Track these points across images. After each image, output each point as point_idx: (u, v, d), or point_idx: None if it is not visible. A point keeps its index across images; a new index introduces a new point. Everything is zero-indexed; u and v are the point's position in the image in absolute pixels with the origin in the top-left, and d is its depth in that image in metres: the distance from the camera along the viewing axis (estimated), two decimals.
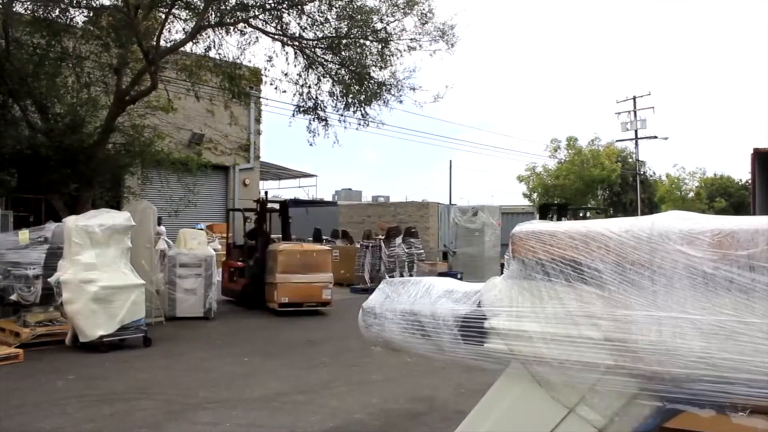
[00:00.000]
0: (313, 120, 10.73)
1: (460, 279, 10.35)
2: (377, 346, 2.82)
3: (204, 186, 14.29)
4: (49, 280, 6.89)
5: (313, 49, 10.30)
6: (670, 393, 1.89)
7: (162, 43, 9.19)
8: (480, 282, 2.61)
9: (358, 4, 9.53)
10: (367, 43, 9.92)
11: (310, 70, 10.44)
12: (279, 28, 9.85)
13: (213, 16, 9.02)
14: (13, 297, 7.08)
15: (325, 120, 10.74)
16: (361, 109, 10.41)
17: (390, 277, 11.46)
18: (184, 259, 9.08)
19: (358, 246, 13.79)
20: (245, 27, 9.70)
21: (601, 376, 2.01)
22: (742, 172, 38.34)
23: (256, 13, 9.43)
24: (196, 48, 9.93)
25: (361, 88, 10.19)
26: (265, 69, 10.56)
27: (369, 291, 8.93)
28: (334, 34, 9.78)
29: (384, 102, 10.40)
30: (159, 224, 10.95)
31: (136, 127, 10.25)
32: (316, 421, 4.43)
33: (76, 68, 9.53)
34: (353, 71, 10.08)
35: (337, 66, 10.30)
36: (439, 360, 2.57)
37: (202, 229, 13.05)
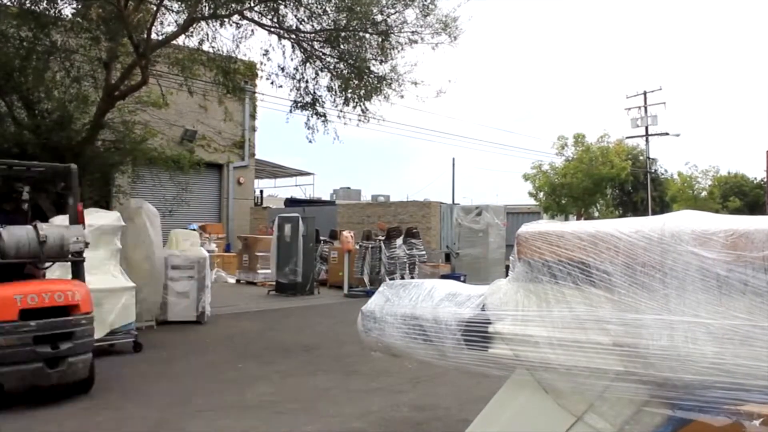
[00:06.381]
0: (312, 116, 10.53)
1: (464, 281, 10.16)
2: (377, 351, 2.83)
3: (197, 185, 14.11)
4: None
5: (310, 43, 10.10)
6: (682, 400, 1.87)
7: (153, 36, 8.99)
8: (484, 285, 2.58)
9: None
10: (367, 35, 9.71)
11: (308, 64, 10.24)
12: (275, 20, 9.67)
13: (206, 7, 8.80)
14: None
15: (324, 116, 10.54)
16: (361, 104, 10.22)
17: (390, 279, 11.25)
18: (176, 261, 8.90)
19: (358, 247, 13.57)
20: (240, 19, 9.54)
21: (610, 383, 1.99)
22: (757, 170, 38.32)
23: (252, 4, 9.26)
24: (189, 41, 9.78)
25: (360, 83, 10.01)
26: (261, 63, 10.45)
27: (368, 294, 8.79)
28: (332, 27, 9.58)
29: (384, 97, 10.20)
30: None
31: (127, 123, 10.11)
32: (313, 430, 4.33)
33: (64, 62, 9.35)
34: (352, 65, 9.87)
35: (335, 60, 10.10)
36: (442, 366, 2.56)
37: (195, 230, 12.85)
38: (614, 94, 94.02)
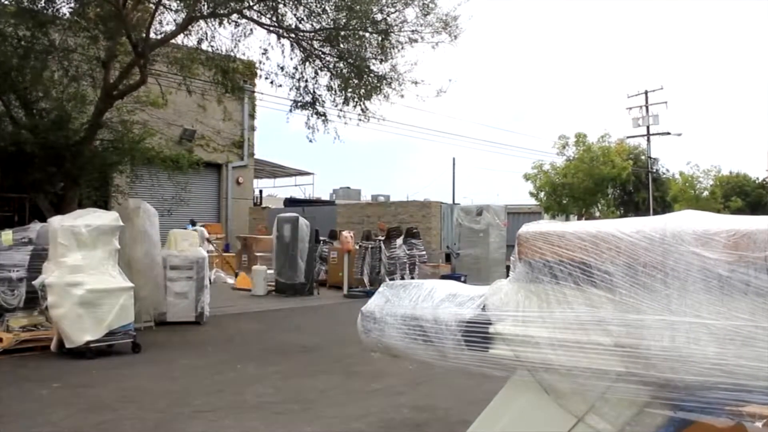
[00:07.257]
0: (312, 115, 10.50)
1: (464, 282, 10.12)
2: (377, 352, 2.79)
3: (196, 184, 14.10)
4: (33, 282, 6.71)
5: (310, 42, 10.06)
6: (683, 401, 1.84)
7: (152, 35, 9.00)
8: (485, 285, 2.55)
9: None
10: (367, 34, 9.67)
11: (307, 64, 10.21)
12: (274, 19, 9.63)
13: (205, 6, 8.80)
14: None
15: (324, 115, 10.50)
16: (361, 103, 10.18)
17: (390, 279, 11.21)
18: (175, 261, 8.85)
19: (357, 247, 13.53)
20: (239, 18, 9.51)
21: (611, 384, 1.96)
22: (758, 170, 38.26)
23: (251, 3, 9.24)
24: (188, 40, 9.80)
25: (360, 82, 9.97)
26: (260, 62, 10.42)
27: (368, 294, 8.76)
28: (332, 26, 9.54)
29: (384, 96, 10.16)
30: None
31: (125, 123, 10.10)
32: (313, 431, 4.31)
33: (62, 61, 9.34)
34: (352, 64, 9.84)
35: (335, 59, 10.06)
36: (442, 367, 2.53)
37: (196, 230, 12.82)
38: (615, 93, 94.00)
